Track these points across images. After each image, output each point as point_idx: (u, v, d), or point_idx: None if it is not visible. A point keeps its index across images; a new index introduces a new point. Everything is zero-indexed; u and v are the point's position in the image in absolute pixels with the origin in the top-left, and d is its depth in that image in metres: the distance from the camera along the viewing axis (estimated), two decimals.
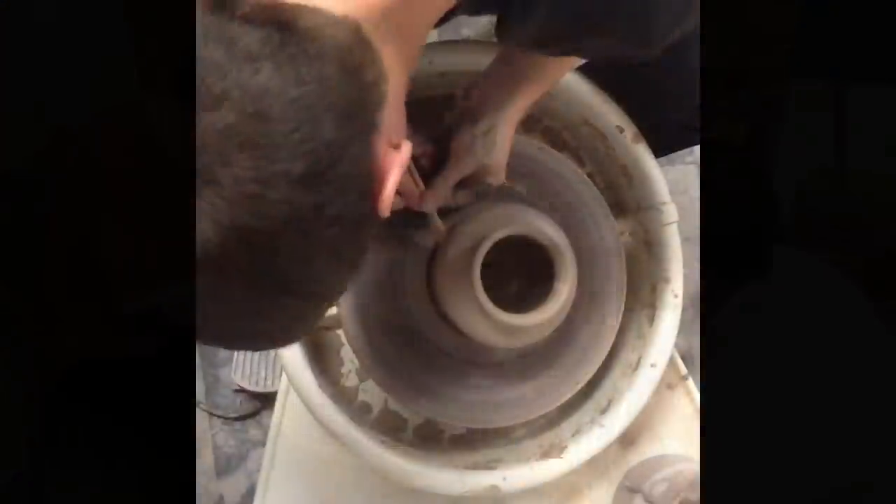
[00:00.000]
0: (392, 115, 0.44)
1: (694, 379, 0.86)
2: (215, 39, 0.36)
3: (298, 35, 0.38)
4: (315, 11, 0.40)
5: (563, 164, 0.78)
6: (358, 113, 0.40)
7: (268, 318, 0.41)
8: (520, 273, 0.76)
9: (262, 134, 0.35)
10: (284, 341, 0.47)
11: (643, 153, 0.79)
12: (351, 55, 0.40)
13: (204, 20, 0.38)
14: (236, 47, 0.36)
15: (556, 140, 0.87)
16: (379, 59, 0.43)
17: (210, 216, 0.35)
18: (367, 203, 0.42)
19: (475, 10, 0.50)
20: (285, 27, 0.38)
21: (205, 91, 0.35)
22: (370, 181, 0.42)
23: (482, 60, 0.73)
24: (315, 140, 0.37)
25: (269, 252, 0.37)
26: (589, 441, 0.76)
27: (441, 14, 0.49)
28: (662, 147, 0.81)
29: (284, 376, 0.79)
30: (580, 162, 0.87)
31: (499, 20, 0.52)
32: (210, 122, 0.35)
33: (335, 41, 0.39)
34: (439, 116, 0.72)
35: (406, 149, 0.46)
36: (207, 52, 0.36)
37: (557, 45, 0.55)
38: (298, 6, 0.39)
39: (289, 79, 0.37)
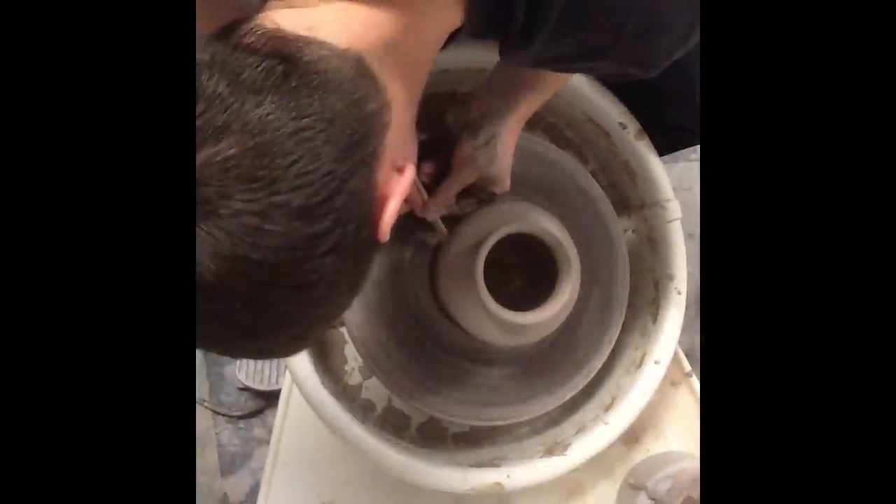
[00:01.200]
0: (397, 139, 0.45)
1: (698, 376, 0.86)
2: (220, 70, 0.37)
3: (302, 67, 0.38)
4: (319, 44, 0.40)
5: (566, 161, 0.77)
6: (359, 144, 0.40)
7: (267, 338, 0.42)
8: (523, 271, 0.76)
9: (262, 167, 0.36)
10: (287, 354, 0.48)
11: (646, 150, 0.79)
12: (353, 87, 0.40)
13: (209, 48, 0.38)
14: (240, 79, 0.37)
15: (559, 137, 0.87)
16: (382, 89, 0.43)
17: (210, 247, 0.35)
18: (365, 230, 0.43)
19: (476, 35, 0.50)
20: (289, 59, 0.38)
21: (207, 123, 0.35)
22: (370, 209, 0.43)
23: (484, 57, 0.73)
24: (314, 172, 0.37)
25: (266, 282, 0.38)
26: (593, 438, 0.76)
27: (444, 39, 0.49)
28: (662, 148, 0.81)
29: (288, 374, 0.79)
30: (583, 159, 0.87)
31: (500, 45, 0.53)
32: (211, 154, 0.35)
33: (338, 74, 0.40)
34: (442, 113, 0.72)
35: (409, 173, 0.46)
36: (211, 83, 0.36)
37: (558, 66, 0.55)
38: (303, 38, 0.40)
39: (290, 111, 0.37)
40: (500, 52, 0.53)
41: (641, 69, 0.54)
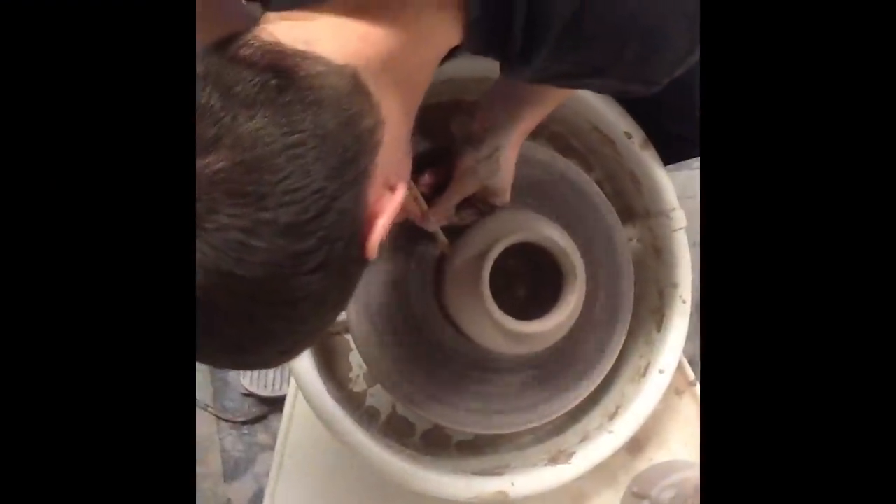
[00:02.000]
0: (390, 157, 0.44)
1: None
2: (214, 82, 0.37)
3: (297, 82, 0.38)
4: (315, 59, 0.40)
5: (571, 170, 0.78)
6: (351, 162, 0.40)
7: (254, 352, 0.42)
8: (528, 279, 0.76)
9: (251, 182, 0.36)
10: (273, 366, 0.47)
11: (651, 159, 0.79)
12: (348, 104, 0.40)
13: (206, 59, 0.38)
14: (232, 92, 0.37)
15: (564, 145, 0.87)
16: (376, 106, 0.42)
17: (197, 261, 0.35)
18: (354, 248, 0.42)
19: (475, 53, 0.50)
20: (284, 73, 0.38)
21: (198, 136, 0.35)
22: (359, 227, 0.42)
23: (487, 66, 0.73)
24: (303, 190, 0.37)
25: (251, 297, 0.38)
26: (597, 447, 0.76)
27: (441, 57, 0.49)
28: (663, 158, 0.81)
29: (293, 381, 0.79)
30: (588, 167, 0.87)
31: (500, 62, 0.53)
32: (200, 167, 0.35)
33: (333, 90, 0.39)
34: (446, 123, 0.72)
35: (400, 192, 0.46)
36: (205, 95, 0.36)
37: (559, 83, 0.55)
38: (300, 52, 0.40)
39: (282, 127, 0.37)
40: (501, 69, 0.53)
41: (643, 86, 0.53)
